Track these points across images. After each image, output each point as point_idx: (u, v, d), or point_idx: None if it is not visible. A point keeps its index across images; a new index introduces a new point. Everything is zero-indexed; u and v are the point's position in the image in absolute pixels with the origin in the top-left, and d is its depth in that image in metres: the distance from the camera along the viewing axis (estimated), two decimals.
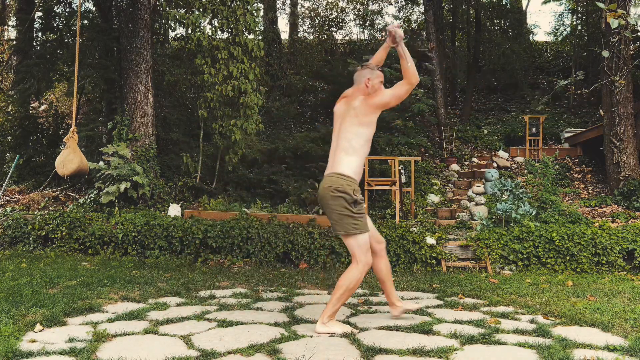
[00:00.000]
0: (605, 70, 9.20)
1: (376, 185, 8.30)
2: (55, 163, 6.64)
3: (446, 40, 16.38)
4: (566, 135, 12.26)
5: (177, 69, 10.02)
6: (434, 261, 6.27)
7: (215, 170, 9.15)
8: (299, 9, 19.65)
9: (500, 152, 12.17)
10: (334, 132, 3.52)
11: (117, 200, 7.53)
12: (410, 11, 19.81)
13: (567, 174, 10.72)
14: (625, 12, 3.71)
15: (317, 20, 20.01)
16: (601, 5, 3.84)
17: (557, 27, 18.94)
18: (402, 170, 8.67)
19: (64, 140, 6.77)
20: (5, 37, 13.16)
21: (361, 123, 3.38)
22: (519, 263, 6.23)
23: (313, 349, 2.84)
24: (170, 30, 10.76)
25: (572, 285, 5.13)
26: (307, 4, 20.51)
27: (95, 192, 7.89)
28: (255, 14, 8.68)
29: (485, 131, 13.58)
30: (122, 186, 7.39)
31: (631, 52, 9.73)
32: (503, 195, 7.30)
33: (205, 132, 9.25)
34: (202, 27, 8.41)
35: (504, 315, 3.77)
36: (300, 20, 19.77)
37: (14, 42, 11.57)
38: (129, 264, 5.95)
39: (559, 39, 18.87)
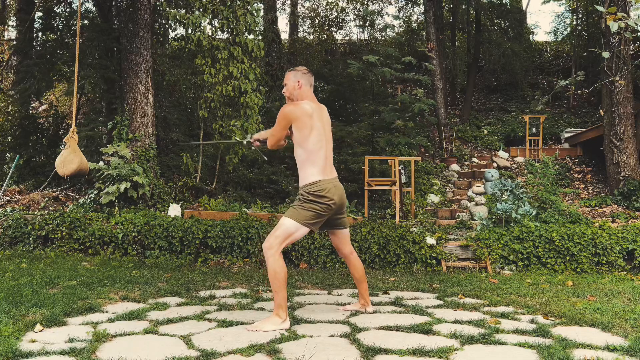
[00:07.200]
0: (605, 70, 9.21)
1: (376, 185, 8.29)
2: (55, 163, 6.64)
3: (446, 40, 16.38)
4: (566, 135, 12.27)
5: (177, 69, 10.02)
6: (434, 261, 6.27)
7: (215, 170, 9.15)
8: (299, 9, 19.66)
9: (500, 152, 12.18)
10: (326, 135, 3.62)
11: (117, 201, 7.53)
12: (410, 11, 19.84)
13: (567, 174, 10.73)
14: (625, 15, 3.71)
15: (317, 20, 20.03)
16: (600, 8, 3.84)
17: (557, 27, 18.96)
18: (402, 170, 8.67)
19: (64, 140, 6.77)
20: (5, 37, 13.16)
21: None
22: (519, 263, 6.23)
23: (313, 349, 2.85)
24: (170, 30, 10.76)
25: (572, 285, 5.13)
26: (307, 4, 20.53)
27: (95, 192, 7.89)
28: (255, 14, 8.68)
29: (485, 131, 13.58)
30: (122, 186, 7.39)
31: (631, 53, 9.73)
32: (503, 195, 7.30)
33: (205, 132, 9.25)
34: (202, 27, 8.41)
35: (504, 316, 3.77)
36: (300, 20, 19.77)
37: (14, 42, 11.57)
38: (129, 264, 5.95)
39: (559, 39, 18.89)
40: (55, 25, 10.69)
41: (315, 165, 3.52)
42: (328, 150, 3.61)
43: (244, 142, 4.09)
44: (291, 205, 3.62)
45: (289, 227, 3.43)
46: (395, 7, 21.69)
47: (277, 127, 3.62)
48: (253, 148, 4.15)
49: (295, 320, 3.54)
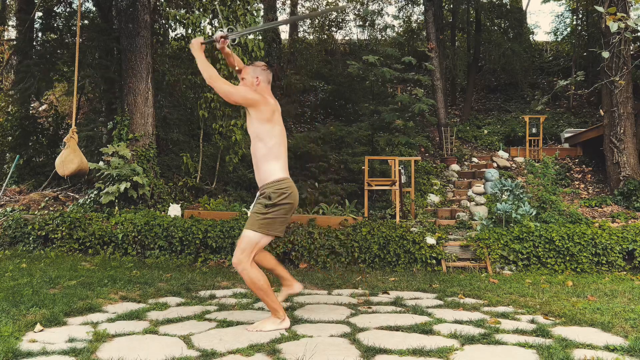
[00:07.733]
0: (605, 70, 9.21)
1: (376, 185, 8.29)
2: (55, 163, 6.64)
3: (446, 40, 16.38)
4: (566, 135, 12.27)
5: (177, 69, 10.03)
6: (434, 261, 6.26)
7: (215, 170, 9.15)
8: (299, 9, 19.66)
9: (500, 152, 12.18)
10: (284, 132, 3.46)
11: (117, 200, 7.53)
12: (410, 11, 19.83)
13: (567, 174, 10.73)
14: (625, 15, 3.71)
15: (317, 20, 20.01)
16: (600, 8, 3.84)
17: (557, 27, 18.96)
18: (402, 170, 8.67)
19: (64, 140, 6.77)
20: (5, 37, 13.16)
21: None
22: (519, 263, 6.23)
23: (313, 349, 2.85)
24: (170, 30, 10.76)
25: (572, 285, 5.13)
26: (307, 4, 20.52)
27: (95, 192, 7.89)
28: (255, 14, 8.68)
29: (485, 131, 13.58)
30: (122, 186, 7.39)
31: (631, 53, 9.73)
32: (503, 195, 7.30)
33: (205, 132, 9.25)
34: (202, 27, 8.41)
35: (504, 315, 3.77)
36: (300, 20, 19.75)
37: (14, 42, 11.57)
38: (129, 264, 5.95)
39: (559, 39, 18.88)
40: (55, 25, 10.70)
41: (279, 160, 3.34)
42: (286, 147, 3.46)
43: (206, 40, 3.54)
44: (252, 212, 3.35)
45: (252, 239, 3.27)
46: (395, 7, 21.71)
47: (237, 95, 3.36)
48: (215, 43, 3.54)
49: (295, 320, 3.54)
